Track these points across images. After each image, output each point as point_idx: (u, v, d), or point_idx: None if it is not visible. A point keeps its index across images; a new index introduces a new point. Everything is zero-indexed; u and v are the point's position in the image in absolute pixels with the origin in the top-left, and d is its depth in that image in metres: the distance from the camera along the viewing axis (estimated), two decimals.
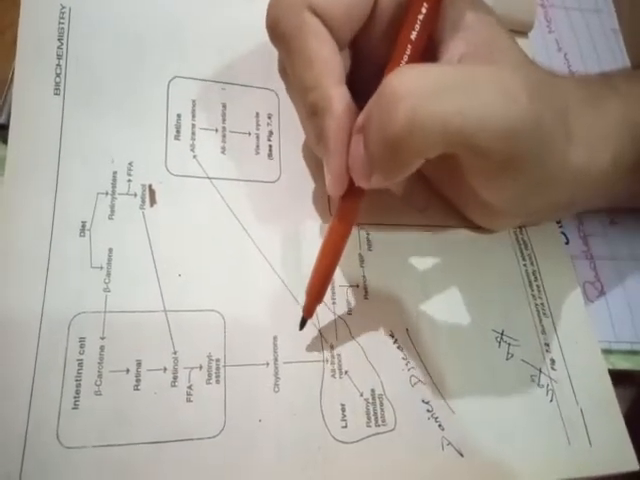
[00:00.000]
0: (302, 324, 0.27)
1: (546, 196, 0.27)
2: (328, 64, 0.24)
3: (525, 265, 0.33)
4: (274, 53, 0.33)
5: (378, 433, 0.27)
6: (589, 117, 0.27)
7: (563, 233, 0.35)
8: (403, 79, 0.22)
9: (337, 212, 0.26)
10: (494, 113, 0.22)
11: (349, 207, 0.26)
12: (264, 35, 0.33)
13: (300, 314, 0.27)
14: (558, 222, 0.35)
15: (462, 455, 0.27)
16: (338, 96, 0.24)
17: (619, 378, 0.31)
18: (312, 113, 0.25)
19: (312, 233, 0.30)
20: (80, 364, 0.25)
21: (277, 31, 0.25)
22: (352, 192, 0.26)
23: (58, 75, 0.29)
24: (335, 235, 0.26)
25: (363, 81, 0.25)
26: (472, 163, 0.25)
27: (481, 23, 0.25)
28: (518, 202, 0.28)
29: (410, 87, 0.22)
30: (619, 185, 0.29)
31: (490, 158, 0.24)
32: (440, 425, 0.28)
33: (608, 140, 0.27)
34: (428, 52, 0.25)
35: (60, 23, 0.30)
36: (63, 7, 0.30)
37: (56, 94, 0.29)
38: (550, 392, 0.30)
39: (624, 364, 0.32)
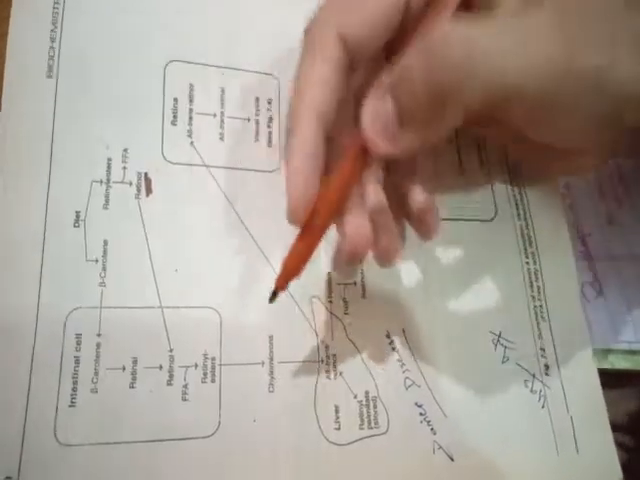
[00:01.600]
0: (272, 296, 0.25)
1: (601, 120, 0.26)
2: (318, 93, 0.24)
3: (528, 263, 0.32)
4: (275, 37, 0.32)
5: (371, 436, 0.28)
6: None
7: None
8: (456, 25, 0.22)
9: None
10: (534, 69, 0.22)
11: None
12: (265, 19, 0.32)
13: (299, 314, 0.28)
14: None
15: (452, 459, 0.28)
16: (308, 125, 0.24)
17: (618, 378, 0.32)
18: (289, 121, 0.25)
19: None
20: (77, 361, 0.25)
21: (304, 38, 0.25)
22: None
23: (51, 57, 0.28)
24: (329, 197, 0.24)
25: None
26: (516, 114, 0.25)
27: None
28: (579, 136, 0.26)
29: (464, 33, 0.22)
30: None
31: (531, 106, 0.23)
32: (432, 429, 0.28)
33: None
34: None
35: (54, 7, 0.29)
36: None
37: (49, 77, 0.28)
38: (542, 398, 0.30)
39: (623, 364, 0.32)
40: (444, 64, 0.21)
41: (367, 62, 0.26)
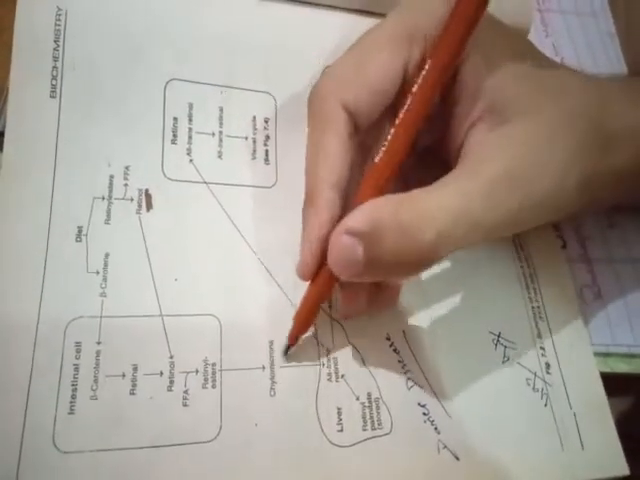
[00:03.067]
0: (286, 350, 0.28)
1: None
2: (332, 165, 0.26)
3: (522, 267, 0.33)
4: (272, 56, 0.33)
5: (374, 437, 0.27)
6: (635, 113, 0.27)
7: (560, 237, 0.35)
8: (420, 212, 0.23)
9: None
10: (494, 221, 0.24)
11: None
12: (262, 38, 0.33)
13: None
14: (555, 226, 0.35)
15: (458, 458, 0.27)
16: (326, 199, 0.25)
17: (617, 381, 0.31)
18: (305, 193, 0.27)
19: None
20: (76, 369, 0.25)
21: (310, 111, 0.27)
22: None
23: (54, 77, 0.29)
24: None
25: None
26: None
27: (494, 82, 0.25)
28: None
29: (431, 222, 0.23)
30: None
31: None
32: (436, 428, 0.28)
33: None
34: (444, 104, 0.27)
35: (56, 25, 0.30)
36: (59, 9, 0.30)
37: (52, 97, 0.29)
38: (545, 396, 0.30)
39: (622, 367, 0.32)
40: (414, 244, 0.23)
41: (369, 124, 0.27)
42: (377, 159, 0.25)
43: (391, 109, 0.27)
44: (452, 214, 0.23)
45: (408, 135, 0.24)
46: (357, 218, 0.23)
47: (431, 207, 0.23)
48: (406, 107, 0.24)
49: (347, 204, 0.26)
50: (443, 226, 0.23)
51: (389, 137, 0.24)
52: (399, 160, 0.24)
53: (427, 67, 0.24)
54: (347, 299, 0.28)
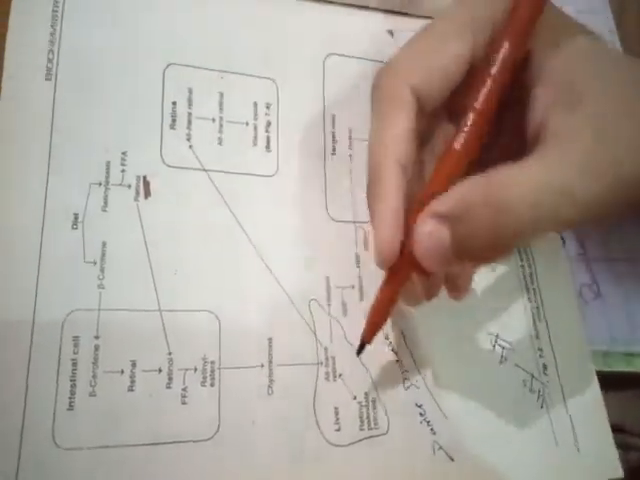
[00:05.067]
0: (360, 349, 0.26)
1: None
2: (397, 144, 0.25)
3: (523, 267, 0.33)
4: (273, 41, 0.32)
5: (371, 436, 0.28)
6: None
7: (560, 236, 0.34)
8: (519, 172, 0.22)
9: None
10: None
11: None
12: (263, 23, 0.32)
13: (298, 317, 0.28)
14: None
15: (453, 460, 0.28)
16: (392, 178, 0.24)
17: (615, 380, 0.32)
18: (368, 173, 0.26)
19: (310, 231, 0.30)
20: (74, 364, 0.25)
21: (376, 94, 0.26)
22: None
23: (50, 60, 0.28)
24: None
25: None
26: None
27: (565, 63, 0.25)
28: None
29: (527, 185, 0.22)
30: None
31: None
32: (432, 429, 0.28)
33: None
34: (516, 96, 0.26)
35: (54, 10, 0.28)
36: None
37: (47, 79, 0.28)
38: (541, 398, 0.30)
39: (621, 366, 0.32)
40: (510, 220, 0.22)
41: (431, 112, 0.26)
42: (456, 144, 0.24)
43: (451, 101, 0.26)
44: (546, 186, 0.22)
45: (487, 117, 0.24)
46: (445, 201, 0.23)
47: (525, 180, 0.22)
48: (485, 89, 0.24)
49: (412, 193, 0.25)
50: (538, 198, 0.22)
51: (468, 121, 0.24)
52: (479, 144, 0.24)
53: (503, 46, 0.24)
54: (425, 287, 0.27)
